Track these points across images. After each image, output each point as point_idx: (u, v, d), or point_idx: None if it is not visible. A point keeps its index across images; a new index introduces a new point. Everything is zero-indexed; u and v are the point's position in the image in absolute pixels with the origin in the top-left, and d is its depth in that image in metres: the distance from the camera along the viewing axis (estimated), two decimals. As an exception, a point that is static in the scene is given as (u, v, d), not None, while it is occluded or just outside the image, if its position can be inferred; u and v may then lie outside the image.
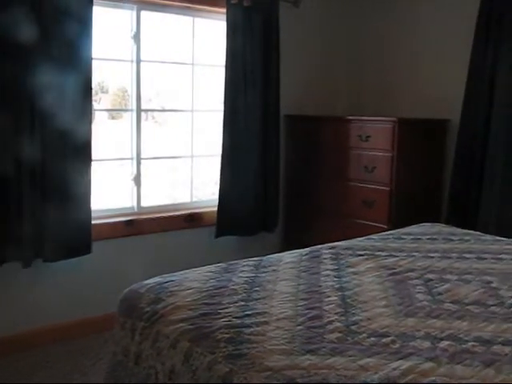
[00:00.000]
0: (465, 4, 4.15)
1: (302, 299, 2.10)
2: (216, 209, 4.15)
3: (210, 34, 4.27)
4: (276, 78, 4.32)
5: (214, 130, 4.24)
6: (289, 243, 4.50)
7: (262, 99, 4.27)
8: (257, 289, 2.20)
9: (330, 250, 2.80)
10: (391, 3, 4.70)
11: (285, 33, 4.36)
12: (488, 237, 3.24)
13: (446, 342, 1.77)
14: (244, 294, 2.13)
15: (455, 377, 1.55)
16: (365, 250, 2.82)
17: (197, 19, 4.17)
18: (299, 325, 1.86)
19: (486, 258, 2.74)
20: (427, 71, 4.47)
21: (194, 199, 4.35)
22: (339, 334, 1.80)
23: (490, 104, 3.94)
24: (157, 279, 2.30)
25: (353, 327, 1.86)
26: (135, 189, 3.98)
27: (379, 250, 2.81)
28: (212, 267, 2.48)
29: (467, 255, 2.79)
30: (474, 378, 1.55)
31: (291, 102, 4.60)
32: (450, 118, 4.26)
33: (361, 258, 2.68)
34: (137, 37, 3.84)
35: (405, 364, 1.61)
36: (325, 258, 2.66)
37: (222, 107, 4.08)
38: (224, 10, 4.00)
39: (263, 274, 2.39)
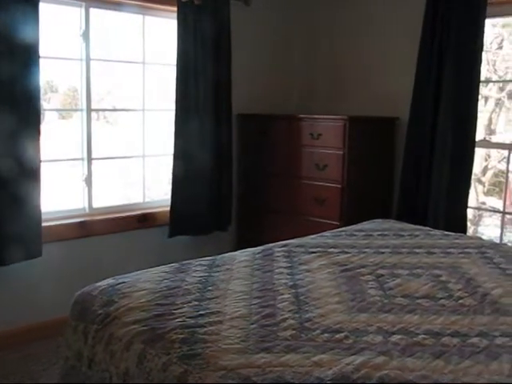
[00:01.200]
0: (412, 5, 4.23)
1: (255, 297, 2.11)
2: (169, 208, 4.13)
3: (162, 33, 4.23)
4: (227, 77, 4.31)
5: (166, 130, 4.21)
6: (242, 242, 4.50)
7: (214, 98, 4.25)
8: (210, 288, 2.20)
9: (283, 248, 2.82)
10: (341, 3, 4.76)
11: (236, 31, 4.35)
12: (437, 232, 3.31)
13: (398, 336, 1.80)
14: (198, 294, 2.13)
15: (406, 369, 1.59)
16: (317, 247, 2.84)
17: (148, 17, 4.13)
18: (253, 323, 1.87)
19: (435, 253, 2.81)
20: (377, 70, 4.54)
21: (147, 199, 4.31)
22: (293, 332, 1.81)
23: (437, 103, 4.03)
24: (109, 281, 2.28)
25: (306, 324, 1.88)
26: (86, 190, 3.92)
27: (331, 247, 2.84)
28: (165, 267, 2.47)
29: (417, 250, 2.84)
30: (425, 370, 1.59)
31: (243, 100, 4.60)
32: (399, 116, 4.34)
33: (313, 255, 2.70)
34: (86, 35, 3.78)
35: (358, 359, 1.63)
36: (278, 256, 2.67)
37: (173, 106, 4.05)
38: (175, 9, 3.97)
39: (217, 274, 2.39)
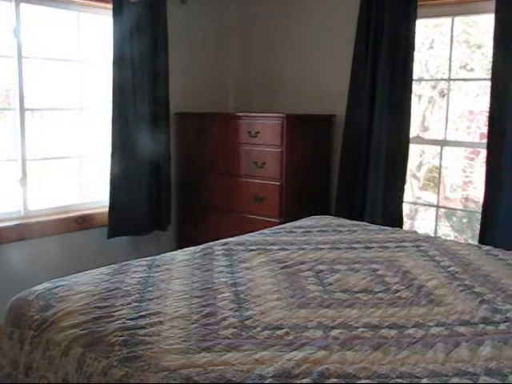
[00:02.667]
0: (347, 5, 4.31)
1: (196, 297, 2.10)
2: (107, 209, 4.06)
3: (97, 30, 4.16)
4: (165, 75, 4.28)
5: (104, 129, 4.14)
6: (182, 241, 4.49)
7: (152, 97, 4.21)
8: (150, 289, 2.18)
9: (223, 247, 2.82)
10: (278, 2, 4.79)
11: (173, 30, 4.33)
12: (374, 227, 3.38)
13: (338, 330, 1.83)
14: (137, 295, 2.11)
15: (347, 363, 1.62)
16: (257, 244, 2.86)
17: (82, 14, 4.04)
18: (194, 323, 1.87)
19: (372, 248, 2.87)
20: (314, 69, 4.60)
21: (85, 200, 4.23)
22: (234, 330, 1.82)
23: (372, 100, 4.11)
24: (46, 285, 2.22)
25: (247, 322, 1.88)
26: (22, 191, 3.81)
27: (271, 244, 2.86)
28: (104, 269, 2.43)
29: (355, 245, 2.90)
30: (364, 362, 1.62)
31: (181, 99, 4.58)
32: (336, 113, 4.41)
33: (253, 252, 2.72)
34: (17, 31, 3.67)
35: (299, 354, 1.65)
36: (217, 255, 2.67)
37: (110, 105, 3.99)
38: (110, 6, 3.91)
39: (156, 274, 2.37)
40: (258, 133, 4.10)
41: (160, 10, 4.19)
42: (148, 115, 4.19)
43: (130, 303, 2.02)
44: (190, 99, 4.69)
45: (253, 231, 3.21)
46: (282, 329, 1.83)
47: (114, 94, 3.97)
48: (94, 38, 4.16)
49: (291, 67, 4.74)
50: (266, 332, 1.81)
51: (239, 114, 4.35)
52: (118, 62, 3.96)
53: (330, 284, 2.30)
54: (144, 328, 1.82)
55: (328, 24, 4.48)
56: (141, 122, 4.15)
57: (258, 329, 1.83)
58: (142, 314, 1.93)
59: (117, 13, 3.92)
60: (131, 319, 1.88)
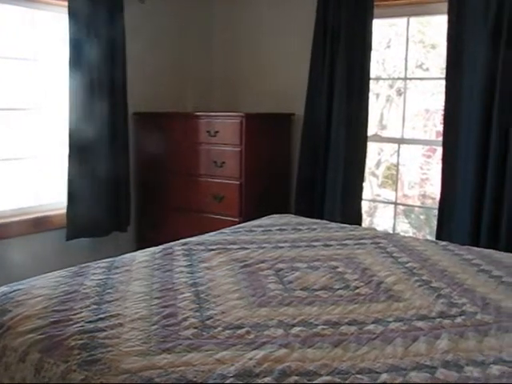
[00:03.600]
0: (304, 6, 4.34)
1: (156, 298, 2.09)
2: (65, 211, 4.00)
3: (53, 29, 4.08)
4: (123, 74, 4.23)
5: (61, 130, 4.08)
6: (143, 242, 4.44)
7: (109, 97, 4.16)
8: (110, 291, 2.16)
9: (183, 247, 2.80)
10: (237, 3, 4.79)
11: (131, 28, 4.28)
12: (333, 224, 3.41)
13: (298, 328, 1.84)
14: (96, 298, 2.08)
15: (307, 360, 1.63)
16: (217, 244, 2.85)
17: (37, 12, 3.96)
18: (154, 324, 1.85)
19: (332, 245, 2.89)
20: (272, 68, 4.63)
21: (42, 202, 4.15)
22: (194, 330, 1.81)
23: (331, 99, 4.15)
24: (2, 289, 2.17)
25: (208, 322, 1.88)
26: (-26, 194, 3.73)
27: (231, 244, 2.86)
28: (62, 272, 2.39)
29: (315, 243, 2.92)
30: (324, 359, 1.63)
31: (140, 99, 4.53)
32: (295, 112, 4.44)
33: (213, 252, 2.71)
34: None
35: (260, 353, 1.65)
36: (177, 255, 2.66)
37: (67, 105, 3.93)
38: (66, 4, 3.84)
39: (116, 275, 2.35)
40: (217, 132, 4.09)
41: (117, 8, 4.14)
42: (106, 115, 4.13)
43: (88, 306, 2.00)
44: (148, 99, 4.64)
45: (213, 231, 3.20)
46: (243, 328, 1.83)
47: (71, 95, 3.91)
48: (50, 36, 4.08)
49: (251, 67, 4.75)
50: (227, 332, 1.80)
51: (198, 113, 4.34)
52: (75, 61, 3.90)
53: (290, 282, 2.31)
54: (103, 331, 1.80)
55: (286, 24, 4.51)
56: (98, 121, 4.09)
57: (219, 328, 1.83)
58: (102, 316, 1.91)
59: (73, 11, 3.85)
60: (90, 322, 1.86)
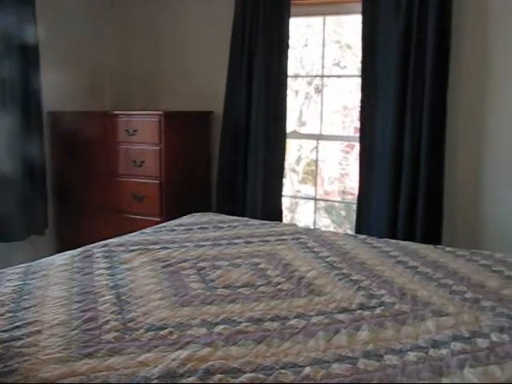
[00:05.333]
0: (222, 5, 4.34)
1: (75, 302, 2.03)
2: (-23, 215, 3.85)
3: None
4: (36, 74, 4.09)
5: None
6: (62, 244, 4.33)
7: (22, 96, 4.02)
8: (26, 297, 2.08)
9: (103, 248, 2.74)
10: (157, 2, 4.73)
11: (45, 25, 4.15)
12: (255, 221, 3.43)
13: (221, 326, 1.84)
14: (12, 305, 2.00)
15: (231, 358, 1.62)
16: (138, 244, 2.81)
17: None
18: (74, 329, 1.80)
19: (253, 242, 2.90)
20: (192, 67, 4.60)
21: (-49, 207, 3.98)
22: (116, 333, 1.77)
23: (250, 97, 4.18)
24: None
25: (130, 324, 1.84)
26: None
27: (152, 244, 2.82)
28: (-25, 280, 2.29)
29: (236, 241, 2.92)
30: (248, 356, 1.64)
31: (55, 97, 4.40)
32: (214, 110, 4.43)
33: (134, 253, 2.66)
34: None
35: (183, 353, 1.64)
36: (97, 257, 2.60)
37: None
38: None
39: (33, 281, 2.26)
40: (135, 131, 4.04)
41: (27, 6, 4.00)
42: (19, 114, 4.00)
43: (3, 314, 1.91)
44: (64, 97, 4.52)
45: (134, 231, 3.15)
46: (166, 328, 1.81)
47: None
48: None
49: (170, 65, 4.71)
50: (150, 333, 1.78)
51: (116, 112, 4.27)
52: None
53: (213, 280, 2.30)
54: (20, 339, 1.73)
55: (205, 22, 4.50)
56: (11, 121, 3.95)
57: (142, 330, 1.80)
58: (18, 324, 1.83)
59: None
60: (5, 331, 1.78)
